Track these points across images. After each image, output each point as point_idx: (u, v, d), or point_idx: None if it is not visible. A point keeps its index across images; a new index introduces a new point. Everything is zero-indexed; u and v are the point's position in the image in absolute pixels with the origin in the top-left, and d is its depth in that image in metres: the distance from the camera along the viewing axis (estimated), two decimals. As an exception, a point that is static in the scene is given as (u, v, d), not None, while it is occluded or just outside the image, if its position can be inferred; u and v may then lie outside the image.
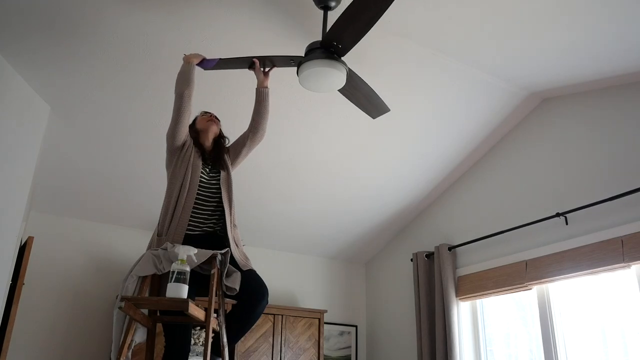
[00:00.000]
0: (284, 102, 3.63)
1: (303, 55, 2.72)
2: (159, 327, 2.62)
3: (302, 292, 5.35)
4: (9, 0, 2.70)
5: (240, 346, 4.42)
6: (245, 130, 2.90)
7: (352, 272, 5.73)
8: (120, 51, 3.10)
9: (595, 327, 3.54)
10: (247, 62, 2.81)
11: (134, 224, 4.65)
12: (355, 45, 2.61)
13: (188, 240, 2.55)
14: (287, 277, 5.32)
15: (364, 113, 3.31)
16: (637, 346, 3.30)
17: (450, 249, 4.54)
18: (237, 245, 2.65)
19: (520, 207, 4.12)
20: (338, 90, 2.84)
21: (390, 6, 2.29)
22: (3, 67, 3.08)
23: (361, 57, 3.23)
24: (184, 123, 2.64)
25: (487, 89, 3.78)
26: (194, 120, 2.88)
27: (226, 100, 3.54)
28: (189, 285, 2.23)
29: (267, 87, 2.84)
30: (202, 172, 2.67)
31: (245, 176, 4.17)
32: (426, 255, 4.71)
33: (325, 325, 5.15)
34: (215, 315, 2.40)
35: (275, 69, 2.90)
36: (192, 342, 4.04)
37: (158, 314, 2.57)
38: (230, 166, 2.80)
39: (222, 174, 2.73)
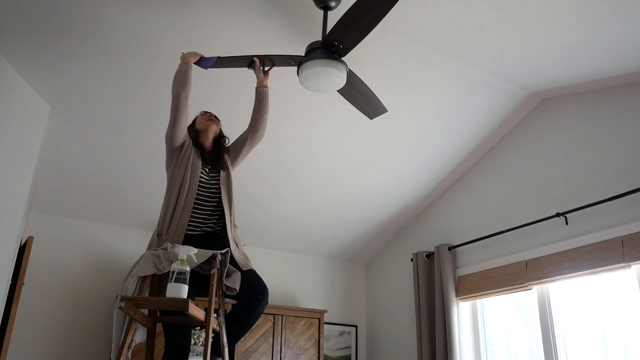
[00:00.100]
0: (284, 102, 3.63)
1: (303, 55, 2.72)
2: (159, 327, 2.62)
3: (302, 292, 5.35)
4: (9, 0, 2.70)
5: (240, 346, 4.42)
6: (245, 129, 2.90)
7: (352, 272, 5.73)
8: (120, 51, 3.10)
9: (595, 327, 3.54)
10: (247, 61, 2.81)
11: (134, 224, 4.65)
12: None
13: (188, 240, 2.55)
14: (287, 277, 5.32)
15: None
16: (637, 346, 3.30)
17: (450, 249, 4.54)
18: (237, 245, 2.65)
19: (520, 207, 4.12)
20: (337, 90, 2.84)
21: (390, 6, 2.29)
22: (3, 67, 3.08)
23: (361, 57, 3.23)
24: (182, 124, 2.64)
25: (487, 89, 3.78)
26: (194, 120, 2.88)
27: (225, 100, 3.54)
28: (189, 285, 2.23)
29: (267, 86, 2.83)
30: (201, 172, 2.67)
31: (245, 176, 4.17)
32: (426, 255, 4.71)
33: (325, 325, 5.15)
34: (215, 315, 2.40)
35: (275, 69, 2.89)
36: (192, 342, 4.04)
37: (158, 314, 2.57)
38: (230, 166, 2.80)
39: (222, 173, 2.73)
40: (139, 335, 2.46)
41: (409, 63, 3.43)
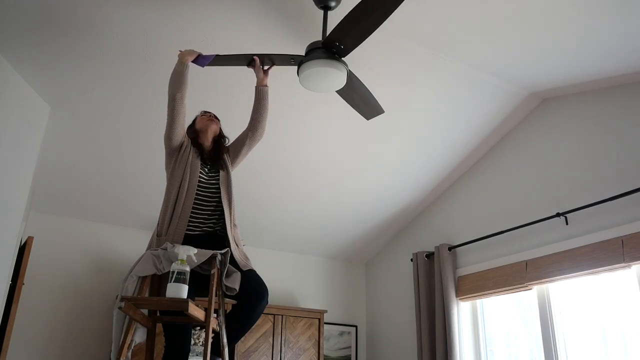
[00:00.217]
0: (285, 102, 3.63)
1: (303, 54, 2.72)
2: (159, 327, 2.62)
3: (302, 292, 5.35)
4: (9, 0, 2.70)
5: (240, 346, 4.42)
6: (244, 129, 2.90)
7: (352, 272, 5.73)
8: (120, 51, 3.10)
9: (595, 327, 3.54)
10: (247, 60, 2.80)
11: (134, 224, 4.65)
12: (355, 46, 2.62)
13: (188, 240, 2.55)
14: (287, 277, 5.32)
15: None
16: (637, 346, 3.30)
17: (450, 249, 4.53)
18: (237, 245, 2.65)
19: (520, 207, 4.12)
20: (335, 90, 2.84)
21: (391, 6, 2.29)
22: (3, 67, 3.08)
23: (361, 57, 3.23)
24: (179, 124, 2.64)
25: (487, 89, 3.78)
26: (194, 120, 2.88)
27: (225, 99, 3.54)
28: (188, 285, 2.23)
29: (266, 86, 2.83)
30: (201, 172, 2.67)
31: (245, 176, 4.17)
32: (426, 255, 4.71)
33: (325, 326, 5.15)
34: (215, 315, 2.40)
35: (274, 69, 2.89)
36: (192, 342, 4.04)
37: (158, 314, 2.57)
38: (230, 166, 2.80)
39: (222, 173, 2.73)
40: (139, 335, 2.46)
41: (408, 63, 3.43)
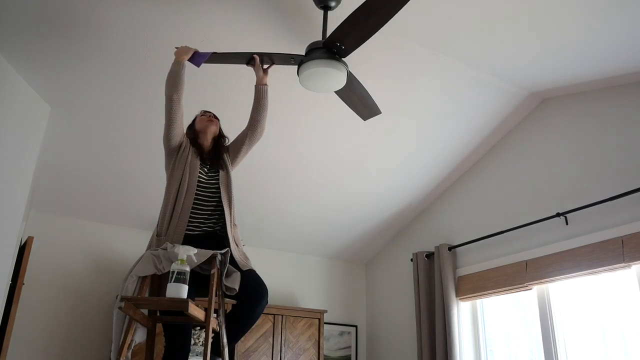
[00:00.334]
0: (285, 101, 3.63)
1: (303, 54, 2.72)
2: (159, 327, 2.62)
3: (302, 292, 5.35)
4: (9, 1, 2.70)
5: (240, 346, 4.42)
6: (244, 128, 2.90)
7: (352, 272, 5.73)
8: (120, 51, 3.10)
9: (595, 327, 3.54)
10: (246, 58, 2.79)
11: (133, 224, 4.65)
12: (355, 46, 2.62)
13: (188, 240, 2.54)
14: (287, 277, 5.32)
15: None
16: (637, 346, 3.30)
17: (450, 249, 4.53)
18: (237, 245, 2.65)
19: (520, 207, 4.12)
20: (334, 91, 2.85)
21: (390, 6, 2.29)
22: (3, 67, 3.08)
23: (361, 57, 3.23)
24: (177, 125, 2.64)
25: (487, 89, 3.78)
26: (194, 120, 2.87)
27: (224, 98, 3.54)
28: (188, 285, 2.23)
29: (266, 84, 2.82)
30: (200, 172, 2.67)
31: (244, 176, 4.17)
32: (426, 255, 4.71)
33: (325, 325, 5.15)
34: (215, 315, 2.40)
35: (275, 68, 2.89)
36: (192, 342, 4.04)
37: (158, 314, 2.57)
38: (229, 165, 2.79)
39: (221, 173, 2.73)
40: (139, 335, 2.46)
41: (408, 63, 3.43)
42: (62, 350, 4.14)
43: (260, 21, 3.01)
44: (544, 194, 3.96)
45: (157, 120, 3.60)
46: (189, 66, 2.73)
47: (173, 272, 2.22)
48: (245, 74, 3.23)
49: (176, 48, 2.73)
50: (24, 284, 3.59)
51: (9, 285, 3.27)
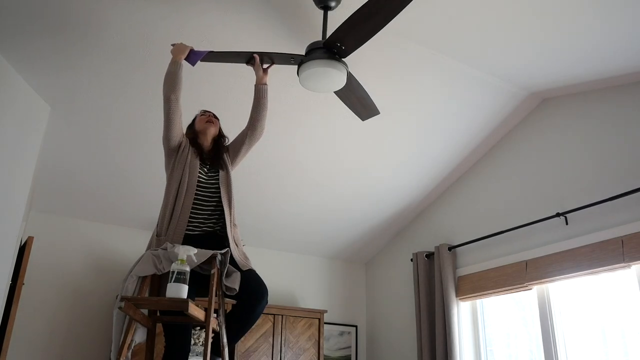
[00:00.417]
0: (284, 101, 3.63)
1: (303, 54, 2.71)
2: (159, 327, 2.62)
3: (302, 292, 5.35)
4: (9, 1, 2.70)
5: (240, 346, 4.42)
6: (243, 127, 2.89)
7: (352, 272, 5.73)
8: (120, 51, 3.10)
9: (595, 327, 3.54)
10: (246, 57, 2.79)
11: (134, 224, 4.65)
12: (355, 46, 2.61)
13: (188, 240, 2.54)
14: (287, 277, 5.32)
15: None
16: (637, 346, 3.30)
17: (450, 249, 4.53)
18: (237, 245, 2.65)
19: (520, 207, 4.12)
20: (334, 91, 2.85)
21: (390, 6, 2.29)
22: (3, 67, 3.08)
23: (361, 56, 3.23)
24: (176, 125, 2.64)
25: (487, 89, 3.78)
26: (194, 120, 2.87)
27: (224, 98, 3.54)
28: (188, 285, 2.23)
29: (266, 84, 2.82)
30: (200, 172, 2.67)
31: (244, 176, 4.17)
32: (426, 255, 4.71)
33: (325, 325, 5.15)
34: (215, 315, 2.40)
35: (275, 68, 2.88)
36: (192, 342, 4.04)
37: (158, 314, 2.57)
38: (229, 165, 2.79)
39: (221, 173, 2.73)
40: (139, 335, 2.46)
41: (408, 63, 3.43)
42: (62, 350, 4.14)
43: (260, 21, 3.01)
44: (544, 194, 3.96)
45: (156, 120, 3.60)
46: (187, 66, 2.73)
47: (173, 272, 2.22)
48: (245, 74, 3.23)
49: (172, 45, 2.71)
50: (24, 284, 3.59)
51: (9, 285, 3.27)
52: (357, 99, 3.04)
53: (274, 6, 2.92)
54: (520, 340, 4.06)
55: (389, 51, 3.31)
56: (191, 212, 2.59)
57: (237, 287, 2.46)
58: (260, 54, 2.77)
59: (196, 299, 2.49)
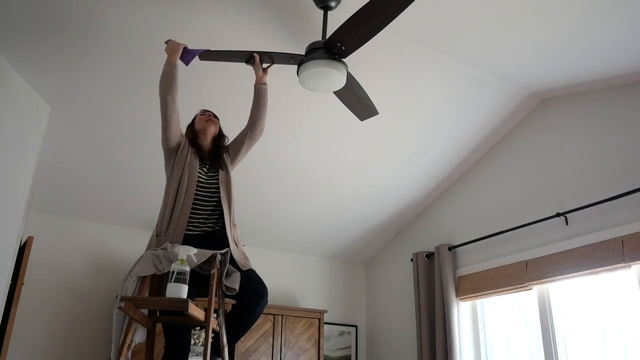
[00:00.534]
0: (284, 101, 3.63)
1: (303, 54, 2.71)
2: (159, 327, 2.62)
3: (302, 292, 5.35)
4: (9, 1, 2.70)
5: (240, 346, 4.42)
6: (243, 127, 2.89)
7: (352, 272, 5.73)
8: (120, 51, 3.10)
9: (595, 327, 3.54)
10: (246, 57, 2.78)
11: (134, 224, 4.65)
12: (355, 46, 2.61)
13: (187, 240, 2.54)
14: (287, 277, 5.32)
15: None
16: (637, 346, 3.30)
17: (450, 249, 4.53)
18: (236, 245, 2.65)
19: (520, 207, 4.11)
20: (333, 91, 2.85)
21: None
22: (3, 67, 3.08)
23: (361, 56, 3.23)
24: (173, 126, 2.64)
25: (487, 89, 3.78)
26: (194, 119, 2.87)
27: (223, 97, 3.54)
28: (188, 285, 2.23)
29: (265, 84, 2.81)
30: (200, 172, 2.67)
31: (244, 176, 4.17)
32: (426, 255, 4.71)
33: (325, 325, 5.15)
34: (215, 315, 2.40)
35: (275, 67, 2.88)
36: (192, 342, 4.04)
37: (158, 314, 2.57)
38: (229, 165, 2.79)
39: (221, 173, 2.72)
40: (139, 335, 2.46)
41: (408, 63, 3.43)
42: (62, 350, 4.14)
43: (260, 21, 3.01)
44: (544, 194, 3.96)
45: (156, 120, 3.58)
46: (187, 65, 2.72)
47: (173, 272, 2.22)
48: (245, 73, 3.23)
49: (166, 43, 2.68)
50: (24, 284, 3.59)
51: (9, 285, 3.27)
52: (356, 99, 3.04)
53: (274, 6, 2.92)
54: (520, 340, 4.06)
55: (389, 51, 3.31)
56: (191, 212, 2.59)
57: (237, 287, 2.46)
58: (260, 53, 2.76)
59: (196, 299, 2.49)
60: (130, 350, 2.32)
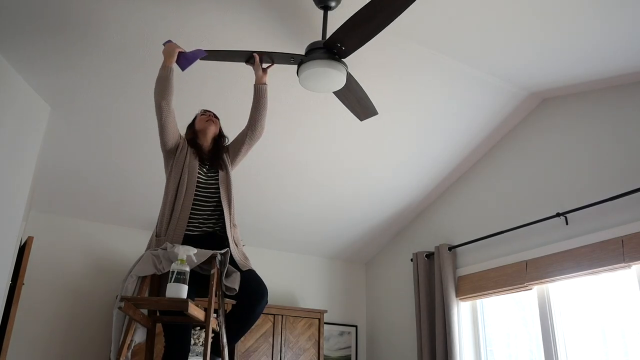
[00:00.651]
0: (284, 101, 3.63)
1: (303, 54, 2.71)
2: (159, 327, 2.62)
3: (302, 292, 5.35)
4: (9, 1, 2.70)
5: (240, 346, 4.42)
6: (243, 127, 2.89)
7: (352, 272, 5.73)
8: (120, 51, 3.10)
9: (595, 327, 3.54)
10: (245, 56, 2.78)
11: (134, 224, 4.65)
12: (355, 46, 2.61)
13: (187, 240, 2.54)
14: (287, 277, 5.32)
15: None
16: (637, 346, 3.30)
17: (450, 249, 4.53)
18: (236, 245, 2.65)
19: (520, 207, 4.11)
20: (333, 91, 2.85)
21: (390, 6, 2.29)
22: (3, 67, 3.08)
23: (361, 56, 3.23)
24: (170, 129, 2.64)
25: (487, 89, 3.78)
26: (194, 119, 2.87)
27: (223, 97, 3.54)
28: (188, 285, 2.23)
29: (265, 84, 2.81)
30: (199, 172, 2.67)
31: (244, 176, 4.17)
32: (426, 255, 4.71)
33: (325, 325, 5.15)
34: (215, 315, 2.40)
35: (274, 67, 2.88)
36: (192, 342, 4.04)
37: (158, 314, 2.57)
38: (229, 165, 2.79)
39: (221, 173, 2.72)
40: (139, 335, 2.46)
41: (408, 63, 3.43)
42: (62, 350, 4.14)
43: (260, 21, 3.01)
44: (544, 194, 3.96)
45: (156, 120, 3.60)
46: (176, 70, 2.70)
47: (173, 272, 2.22)
48: (245, 74, 3.23)
49: (164, 45, 2.66)
50: (24, 284, 3.59)
51: (9, 285, 3.27)
52: (356, 100, 3.04)
53: (274, 6, 2.92)
54: (520, 340, 4.06)
55: (389, 51, 3.31)
56: (191, 212, 2.59)
57: (237, 287, 2.46)
58: (260, 53, 2.76)
59: (196, 299, 2.49)
60: (130, 350, 2.32)
